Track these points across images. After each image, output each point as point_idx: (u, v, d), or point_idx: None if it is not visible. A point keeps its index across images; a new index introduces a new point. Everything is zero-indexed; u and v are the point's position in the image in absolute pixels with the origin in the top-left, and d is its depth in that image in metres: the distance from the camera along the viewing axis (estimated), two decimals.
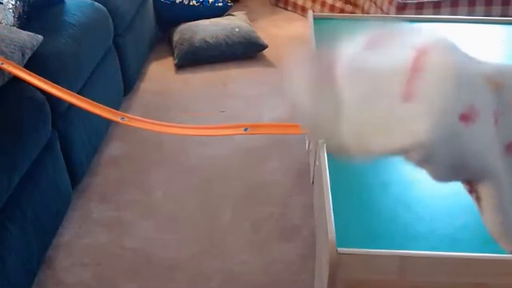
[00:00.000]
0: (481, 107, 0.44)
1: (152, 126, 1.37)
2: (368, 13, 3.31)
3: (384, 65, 0.50)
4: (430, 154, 0.45)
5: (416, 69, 0.47)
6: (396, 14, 2.95)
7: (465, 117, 0.43)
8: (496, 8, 3.07)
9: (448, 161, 0.45)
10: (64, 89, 1.62)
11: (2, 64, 1.63)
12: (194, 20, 3.29)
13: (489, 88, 0.44)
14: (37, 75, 1.65)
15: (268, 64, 3.15)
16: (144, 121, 1.40)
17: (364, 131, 0.53)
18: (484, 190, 0.48)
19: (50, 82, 1.66)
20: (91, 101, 1.57)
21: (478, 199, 0.50)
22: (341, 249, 1.14)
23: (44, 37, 1.88)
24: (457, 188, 0.96)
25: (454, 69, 0.45)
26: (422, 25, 0.58)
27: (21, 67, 1.70)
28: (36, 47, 1.83)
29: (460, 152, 0.44)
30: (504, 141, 0.43)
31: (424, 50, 0.47)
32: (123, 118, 1.39)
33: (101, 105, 1.53)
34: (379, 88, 0.50)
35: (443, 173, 0.48)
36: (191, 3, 3.36)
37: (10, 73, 1.67)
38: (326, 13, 3.47)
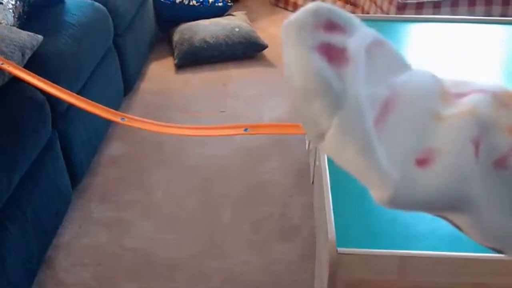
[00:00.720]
0: (442, 145, 0.43)
1: (152, 127, 1.37)
2: (368, 13, 3.31)
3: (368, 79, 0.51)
4: (395, 202, 0.45)
5: (385, 106, 0.47)
6: (396, 14, 2.95)
7: (421, 162, 0.43)
8: (496, 8, 3.07)
9: (415, 205, 0.45)
10: (64, 89, 1.62)
11: (2, 64, 1.63)
12: (194, 20, 3.29)
13: (462, 118, 0.43)
14: (37, 75, 1.65)
15: (268, 64, 3.15)
16: (144, 122, 1.40)
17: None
18: (462, 223, 0.48)
19: (50, 82, 1.66)
20: (91, 101, 1.57)
21: (460, 230, 0.49)
22: (341, 249, 1.14)
23: (44, 37, 1.88)
24: None
25: (412, 114, 0.44)
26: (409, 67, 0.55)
27: (21, 67, 1.70)
28: (36, 47, 1.83)
29: (424, 195, 0.44)
30: (489, 159, 0.42)
31: (395, 93, 0.47)
32: (123, 118, 1.39)
33: (101, 106, 1.53)
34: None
35: (421, 211, 0.48)
36: (191, 3, 3.36)
37: (10, 73, 1.67)
38: None
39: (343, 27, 0.56)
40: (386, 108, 0.47)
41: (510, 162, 0.42)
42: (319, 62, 0.51)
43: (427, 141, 0.43)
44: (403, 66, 0.54)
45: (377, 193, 0.47)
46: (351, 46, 0.53)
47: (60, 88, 1.63)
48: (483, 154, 0.42)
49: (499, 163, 0.41)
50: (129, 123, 1.39)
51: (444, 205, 0.45)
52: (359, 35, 0.55)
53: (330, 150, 0.50)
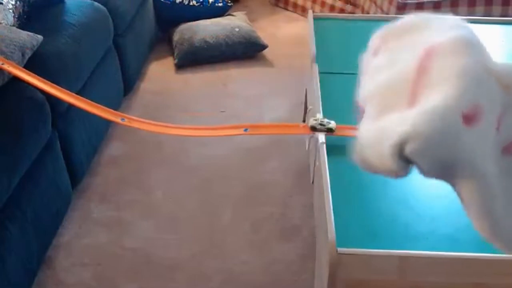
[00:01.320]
0: (487, 108, 0.41)
1: (152, 127, 1.37)
2: (368, 13, 3.31)
3: (391, 75, 0.48)
4: (425, 146, 0.43)
5: (421, 71, 0.44)
6: (396, 14, 2.95)
7: (467, 118, 0.41)
8: (496, 8, 3.07)
9: (441, 158, 0.43)
10: (64, 90, 1.63)
11: (2, 64, 1.63)
12: (194, 20, 3.29)
13: (499, 89, 0.42)
14: (37, 76, 1.65)
15: (268, 64, 3.15)
16: (144, 122, 1.40)
17: (376, 145, 0.51)
18: (467, 194, 0.46)
19: (50, 83, 1.66)
20: (91, 101, 1.57)
21: (462, 202, 0.48)
22: (341, 249, 1.14)
23: (44, 37, 1.88)
24: None
25: (462, 66, 0.42)
26: (443, 18, 0.53)
27: (21, 67, 1.70)
28: (36, 47, 1.83)
29: (455, 152, 0.42)
30: (502, 143, 0.41)
31: (433, 50, 0.44)
32: (123, 119, 1.39)
33: (100, 106, 1.53)
34: (389, 103, 0.48)
35: (433, 169, 0.46)
36: (191, 3, 3.36)
37: (10, 73, 1.67)
38: (326, 13, 3.47)
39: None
40: None
41: None
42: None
43: (477, 96, 0.42)
44: None
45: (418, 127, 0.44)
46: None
47: (60, 88, 1.63)
48: (499, 137, 0.41)
49: (507, 149, 0.41)
50: (129, 124, 1.39)
51: (460, 172, 0.43)
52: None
53: None
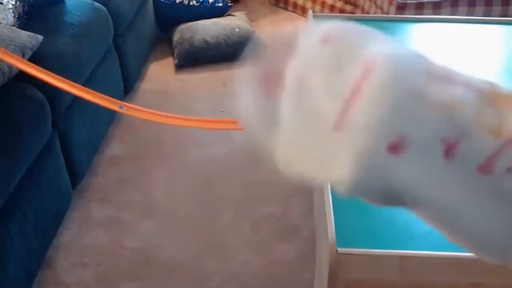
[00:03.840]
0: (416, 135, 0.40)
1: (151, 116, 1.35)
2: (368, 13, 3.31)
3: (327, 82, 0.46)
4: (357, 187, 0.43)
5: (354, 92, 0.43)
6: (396, 14, 2.95)
7: (393, 147, 0.40)
8: (496, 8, 3.07)
9: (379, 191, 0.43)
10: (57, 76, 1.58)
11: None
12: (194, 20, 3.29)
13: (437, 111, 0.40)
14: (30, 63, 1.60)
15: None
16: (143, 111, 1.39)
17: (295, 156, 0.50)
18: (424, 219, 0.46)
19: (44, 70, 1.61)
20: (87, 89, 1.54)
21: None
22: (341, 249, 1.14)
23: (44, 37, 1.88)
24: None
25: (393, 92, 0.41)
26: (385, 39, 0.49)
27: (18, 57, 1.65)
28: (36, 47, 1.83)
29: (390, 182, 0.41)
30: (471, 164, 0.40)
31: (370, 67, 0.42)
32: (121, 107, 1.38)
33: (97, 93, 1.50)
34: (317, 111, 0.46)
35: (378, 202, 0.45)
36: (191, 3, 3.36)
37: (4, 61, 1.63)
38: (326, 13, 3.47)
39: None
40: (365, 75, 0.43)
41: (495, 166, 0.39)
42: None
43: (402, 126, 0.41)
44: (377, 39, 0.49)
45: (339, 173, 0.43)
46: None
47: (55, 75, 1.59)
48: (462, 157, 0.39)
49: (483, 168, 0.39)
50: (128, 112, 1.38)
51: (406, 200, 0.43)
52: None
53: None
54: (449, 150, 0.39)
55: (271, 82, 0.52)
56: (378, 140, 0.39)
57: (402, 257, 1.15)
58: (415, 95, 0.40)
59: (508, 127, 0.39)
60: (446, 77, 0.42)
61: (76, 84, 1.59)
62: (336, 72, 0.45)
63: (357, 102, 0.41)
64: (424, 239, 1.24)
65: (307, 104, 0.46)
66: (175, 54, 3.11)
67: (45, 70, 1.52)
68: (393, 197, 0.42)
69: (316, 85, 0.46)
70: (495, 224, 0.41)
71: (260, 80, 0.53)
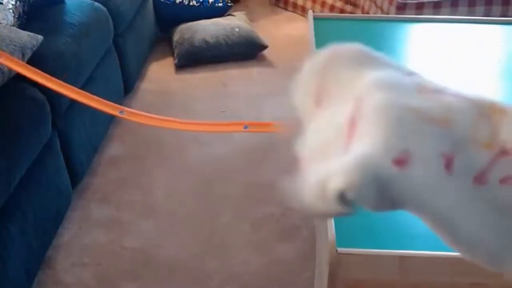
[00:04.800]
0: (418, 150, 0.42)
1: (152, 121, 1.36)
2: (368, 13, 3.31)
3: (329, 129, 0.49)
4: (362, 193, 0.44)
5: (352, 122, 0.45)
6: (396, 14, 2.95)
7: (398, 162, 0.42)
8: (496, 8, 3.07)
9: (383, 200, 0.45)
10: (61, 82, 1.59)
11: None
12: (194, 20, 3.29)
13: (435, 127, 0.42)
14: (31, 67, 1.61)
15: (268, 64, 3.15)
16: (143, 116, 1.39)
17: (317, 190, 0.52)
18: (428, 225, 0.48)
19: (45, 74, 1.62)
20: (88, 94, 1.55)
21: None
22: (341, 249, 1.14)
23: (44, 37, 1.88)
24: None
25: (387, 114, 0.43)
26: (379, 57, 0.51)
27: (17, 60, 1.66)
28: (36, 47, 1.83)
29: (394, 193, 0.43)
30: (468, 175, 0.42)
31: (360, 98, 0.45)
32: (121, 112, 1.38)
33: (98, 98, 1.50)
34: (326, 152, 0.49)
35: (381, 208, 0.47)
36: (191, 3, 3.36)
37: (8, 67, 1.64)
38: (326, 13, 3.47)
39: None
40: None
41: (489, 177, 0.41)
42: None
43: (405, 142, 0.42)
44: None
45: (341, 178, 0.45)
46: None
47: (57, 80, 1.59)
48: (460, 170, 0.41)
49: (478, 179, 0.41)
50: (128, 117, 1.38)
51: (408, 207, 0.45)
52: None
53: None
54: (449, 164, 0.41)
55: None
56: (385, 154, 0.41)
57: (402, 257, 1.15)
58: (411, 112, 0.41)
59: (499, 140, 0.41)
60: (438, 91, 0.44)
61: (77, 89, 1.59)
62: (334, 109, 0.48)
63: (357, 127, 0.43)
64: (424, 239, 1.23)
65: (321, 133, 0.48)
66: (175, 54, 3.11)
67: (48, 76, 1.52)
68: (396, 205, 0.44)
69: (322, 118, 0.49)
70: (490, 231, 0.44)
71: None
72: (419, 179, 0.42)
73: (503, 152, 0.41)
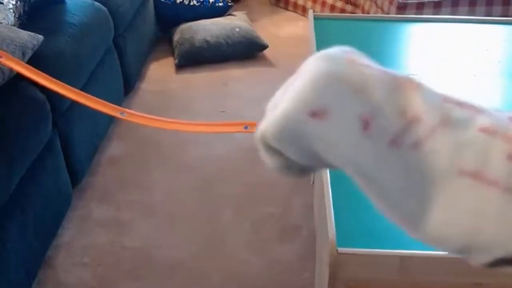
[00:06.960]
0: (337, 109, 0.48)
1: (153, 122, 1.36)
2: (368, 13, 3.31)
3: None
4: (279, 137, 0.50)
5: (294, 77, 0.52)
6: (397, 14, 2.95)
7: (314, 114, 0.47)
8: (497, 8, 3.07)
9: (301, 147, 0.50)
10: (62, 83, 1.60)
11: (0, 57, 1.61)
12: (194, 20, 3.29)
13: (351, 93, 0.48)
14: (31, 67, 1.62)
15: (269, 64, 3.15)
16: (144, 117, 1.39)
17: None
18: (352, 178, 0.52)
19: (46, 75, 1.63)
20: (89, 95, 1.55)
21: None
22: (341, 249, 1.14)
23: (44, 37, 1.88)
24: None
25: (314, 73, 0.49)
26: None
27: (18, 60, 1.67)
28: (36, 47, 1.83)
29: (310, 140, 0.48)
30: (384, 139, 0.47)
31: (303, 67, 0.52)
32: (122, 113, 1.38)
33: (99, 100, 1.51)
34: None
35: (302, 159, 0.52)
36: (191, 3, 3.36)
37: (8, 67, 1.65)
38: (326, 13, 3.47)
39: None
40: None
41: (402, 141, 0.45)
42: None
43: (324, 100, 0.47)
44: None
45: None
46: None
47: (57, 81, 1.60)
48: (377, 132, 0.46)
49: (393, 142, 0.45)
50: (129, 118, 1.38)
51: (329, 161, 0.49)
52: None
53: None
54: (366, 125, 0.46)
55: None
56: (302, 104, 0.47)
57: (402, 257, 1.15)
58: (336, 78, 0.48)
59: (413, 109, 0.46)
60: (365, 64, 0.50)
61: (78, 90, 1.59)
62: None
63: (293, 85, 0.50)
64: None
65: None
66: (176, 54, 3.11)
67: (48, 77, 1.52)
68: (316, 156, 0.49)
69: None
70: (403, 193, 0.48)
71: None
72: (336, 133, 0.46)
73: (415, 120, 0.45)
